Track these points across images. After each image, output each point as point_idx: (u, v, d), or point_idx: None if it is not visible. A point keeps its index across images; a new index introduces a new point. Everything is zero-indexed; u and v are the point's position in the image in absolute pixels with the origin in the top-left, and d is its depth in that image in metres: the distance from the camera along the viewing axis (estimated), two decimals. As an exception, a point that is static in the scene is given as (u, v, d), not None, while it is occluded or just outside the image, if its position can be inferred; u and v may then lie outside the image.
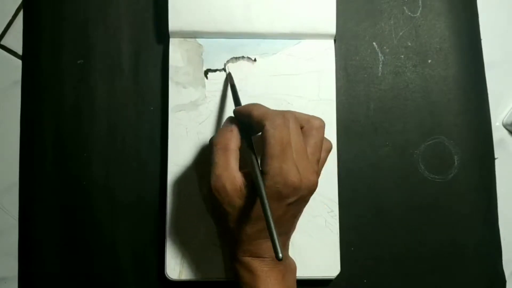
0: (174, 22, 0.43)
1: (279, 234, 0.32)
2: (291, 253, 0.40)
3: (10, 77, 0.45)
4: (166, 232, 0.41)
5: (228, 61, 0.44)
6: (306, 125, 0.35)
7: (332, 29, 0.43)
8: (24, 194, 0.43)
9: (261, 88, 0.43)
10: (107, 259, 0.42)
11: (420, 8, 0.46)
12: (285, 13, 0.43)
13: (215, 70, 0.43)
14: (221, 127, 0.37)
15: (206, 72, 0.43)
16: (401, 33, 0.46)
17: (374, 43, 0.46)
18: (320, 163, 0.36)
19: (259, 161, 0.34)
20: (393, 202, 0.44)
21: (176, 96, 0.43)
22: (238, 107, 0.37)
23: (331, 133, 0.43)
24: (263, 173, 0.33)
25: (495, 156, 0.45)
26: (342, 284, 0.42)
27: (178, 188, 0.42)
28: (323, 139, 0.36)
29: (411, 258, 0.43)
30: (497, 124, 0.46)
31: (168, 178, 0.42)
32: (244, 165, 0.35)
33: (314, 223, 0.42)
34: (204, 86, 0.43)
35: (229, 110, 0.43)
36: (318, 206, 0.42)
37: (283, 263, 0.36)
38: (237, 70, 0.43)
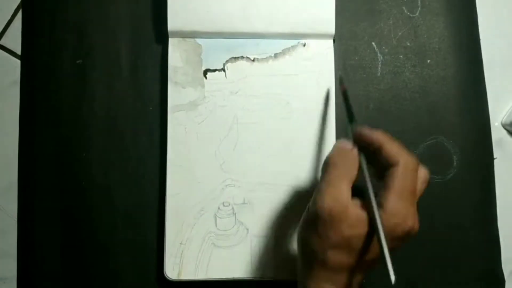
0: (173, 22, 0.43)
1: (369, 270, 0.33)
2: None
3: (8, 77, 0.45)
4: (165, 232, 0.41)
5: (227, 61, 0.44)
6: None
7: (331, 29, 0.43)
8: (23, 194, 0.43)
9: (260, 88, 0.43)
10: (106, 259, 0.42)
11: (419, 8, 0.46)
12: (284, 13, 0.43)
13: (214, 70, 0.43)
14: (336, 144, 0.35)
15: (205, 72, 0.43)
16: (400, 33, 0.46)
17: (373, 43, 0.46)
18: None
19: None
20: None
21: (175, 96, 0.43)
22: (365, 130, 0.34)
23: (330, 134, 0.43)
24: (381, 207, 0.31)
25: (494, 156, 0.45)
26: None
27: (177, 188, 0.42)
28: (423, 193, 0.34)
29: (410, 258, 0.43)
30: (496, 124, 0.46)
31: (167, 178, 0.42)
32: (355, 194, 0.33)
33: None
34: (203, 86, 0.43)
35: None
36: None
37: None
38: (236, 70, 0.43)
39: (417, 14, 0.46)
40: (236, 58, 0.44)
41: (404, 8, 0.46)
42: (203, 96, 0.43)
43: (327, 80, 0.43)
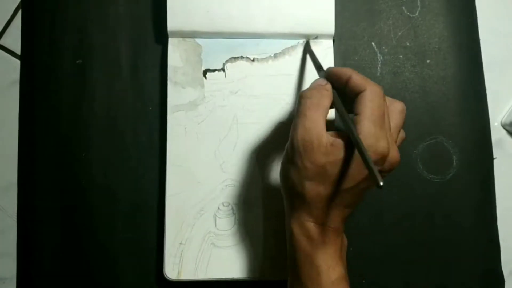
0: (173, 22, 0.43)
1: (348, 206, 0.33)
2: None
3: (8, 77, 0.45)
4: (165, 232, 0.41)
5: (227, 61, 0.44)
6: (390, 106, 0.35)
7: (331, 29, 0.43)
8: (23, 194, 0.43)
9: (260, 88, 0.43)
10: (106, 259, 0.42)
11: (419, 8, 0.46)
12: (283, 13, 0.43)
13: (214, 70, 0.43)
14: (311, 84, 0.36)
15: (204, 72, 0.43)
16: (399, 33, 0.46)
17: (372, 43, 0.46)
18: None
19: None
20: (392, 202, 0.44)
21: (174, 96, 0.43)
22: (333, 68, 0.36)
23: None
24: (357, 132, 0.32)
25: (494, 156, 0.45)
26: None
27: (177, 188, 0.42)
28: (402, 123, 0.35)
29: (410, 258, 0.43)
30: (496, 124, 0.46)
31: (166, 178, 0.42)
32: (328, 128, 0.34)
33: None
34: (202, 86, 0.43)
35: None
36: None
37: (341, 234, 0.35)
38: (236, 70, 0.43)
39: (416, 14, 0.46)
40: (236, 58, 0.44)
41: (403, 8, 0.46)
42: (203, 96, 0.43)
43: (327, 80, 0.43)
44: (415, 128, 0.44)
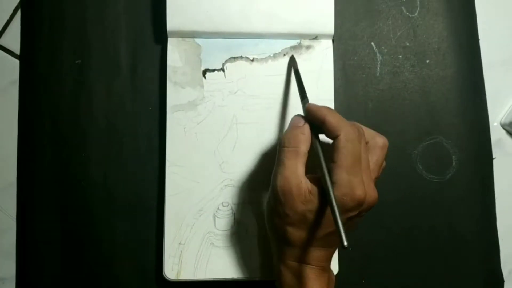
0: (172, 22, 0.43)
1: (330, 246, 0.34)
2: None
3: (7, 76, 0.45)
4: (164, 232, 0.41)
5: (226, 61, 0.44)
6: (371, 141, 0.35)
7: (331, 29, 0.43)
8: (22, 194, 0.43)
9: (260, 88, 0.43)
10: (105, 260, 0.42)
11: (418, 8, 0.46)
12: (283, 13, 0.43)
13: (213, 70, 0.43)
14: (290, 121, 0.36)
15: (204, 72, 0.43)
16: (399, 33, 0.46)
17: (372, 43, 0.46)
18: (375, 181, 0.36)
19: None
20: (391, 202, 0.44)
21: (174, 96, 0.43)
22: (311, 106, 0.36)
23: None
24: (331, 182, 0.33)
25: (493, 156, 0.45)
26: (340, 283, 0.42)
27: (176, 188, 0.42)
28: (384, 158, 0.36)
29: (409, 258, 0.43)
30: (495, 124, 0.46)
31: (166, 178, 0.42)
32: (310, 168, 0.35)
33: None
34: (202, 86, 0.43)
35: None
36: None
37: (328, 271, 0.36)
38: (235, 70, 0.43)
39: (416, 14, 0.46)
40: (235, 58, 0.44)
41: (403, 8, 0.46)
42: (202, 96, 0.43)
43: (327, 80, 0.43)
44: (415, 128, 0.44)
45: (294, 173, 0.33)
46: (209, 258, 0.41)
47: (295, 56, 0.43)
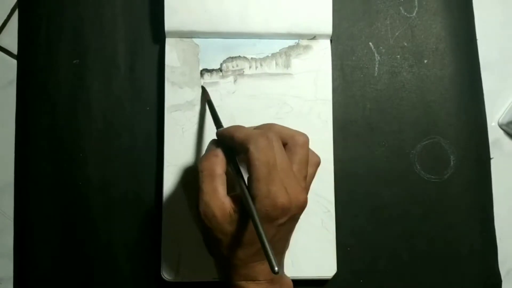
0: (170, 22, 0.42)
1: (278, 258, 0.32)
2: (287, 253, 0.40)
3: (5, 76, 0.45)
4: (162, 232, 0.41)
5: (224, 61, 0.44)
6: (290, 141, 0.34)
7: (329, 29, 0.43)
8: (20, 195, 0.43)
9: (257, 88, 0.43)
10: (103, 260, 0.42)
11: (416, 8, 0.46)
12: (281, 13, 0.43)
13: (211, 70, 0.43)
14: (205, 151, 0.36)
15: (202, 72, 0.43)
16: (397, 33, 0.46)
17: (370, 43, 0.46)
18: (308, 179, 0.35)
19: (246, 183, 0.33)
20: (389, 202, 0.44)
21: (172, 96, 0.43)
22: (220, 129, 0.36)
23: (327, 133, 0.43)
24: (251, 196, 0.32)
25: (491, 156, 0.45)
26: (338, 284, 0.42)
27: (174, 189, 0.42)
28: (308, 155, 0.35)
29: (407, 258, 0.43)
30: (493, 124, 0.46)
31: (164, 178, 0.42)
32: (232, 189, 0.34)
33: (310, 223, 0.42)
34: (200, 86, 0.43)
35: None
36: (314, 206, 0.42)
37: (279, 281, 0.35)
38: (233, 70, 0.43)
39: (414, 14, 0.46)
40: (233, 58, 0.44)
41: (401, 8, 0.46)
42: (201, 96, 0.43)
43: (325, 80, 0.43)
44: (413, 128, 0.45)
45: (214, 196, 0.33)
46: (207, 259, 0.41)
47: (292, 56, 0.43)
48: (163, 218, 0.41)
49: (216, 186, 0.33)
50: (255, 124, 0.42)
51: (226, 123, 0.42)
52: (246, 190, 0.32)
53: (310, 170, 0.35)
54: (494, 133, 0.46)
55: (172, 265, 0.41)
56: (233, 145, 0.34)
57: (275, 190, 0.31)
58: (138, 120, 0.44)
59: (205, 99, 0.42)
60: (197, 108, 0.43)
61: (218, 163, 0.34)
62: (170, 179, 0.42)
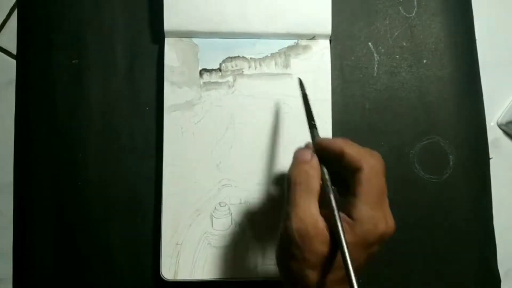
0: (170, 22, 0.42)
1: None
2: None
3: (4, 76, 0.45)
4: (161, 232, 0.41)
5: (223, 61, 0.44)
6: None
7: (328, 29, 0.43)
8: (19, 195, 0.43)
9: (257, 88, 0.43)
10: (102, 260, 0.42)
11: (415, 9, 0.46)
12: (280, 13, 0.43)
13: (210, 70, 0.43)
14: (295, 155, 0.33)
15: (201, 72, 0.43)
16: (396, 33, 0.46)
17: (369, 43, 0.46)
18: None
19: (336, 197, 0.32)
20: (388, 202, 0.44)
21: (171, 96, 0.43)
22: (323, 141, 0.34)
23: (326, 133, 0.43)
24: (352, 217, 0.30)
25: (490, 156, 0.45)
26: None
27: (174, 188, 0.42)
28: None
29: (406, 257, 0.43)
30: (492, 124, 0.46)
31: (163, 178, 0.42)
32: (323, 205, 0.32)
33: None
34: (199, 86, 0.43)
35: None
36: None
37: None
38: (233, 70, 0.43)
39: (413, 14, 0.46)
40: (232, 58, 0.44)
41: (400, 8, 0.46)
42: (200, 96, 0.43)
43: (324, 80, 0.43)
44: (412, 128, 0.45)
45: (310, 212, 0.31)
46: (206, 258, 0.41)
47: (291, 56, 0.43)
48: (162, 218, 0.41)
49: (311, 202, 0.31)
50: (255, 124, 0.43)
51: (225, 123, 0.43)
52: (337, 214, 0.30)
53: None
54: (493, 133, 0.46)
55: (172, 264, 0.41)
56: (339, 160, 0.32)
57: (379, 217, 0.30)
58: (137, 120, 0.44)
59: (302, 92, 0.39)
60: (196, 108, 0.43)
61: (315, 177, 0.32)
62: (169, 179, 0.42)
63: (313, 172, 0.32)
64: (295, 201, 0.31)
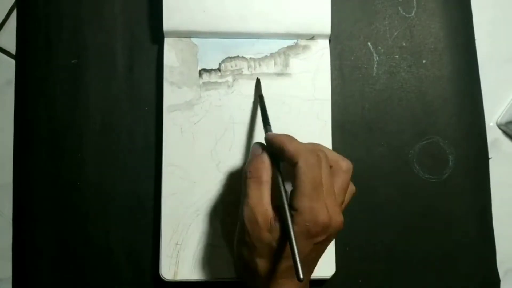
0: (169, 22, 0.42)
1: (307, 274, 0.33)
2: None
3: (3, 76, 0.45)
4: (161, 232, 0.41)
5: (223, 61, 0.43)
6: (335, 165, 0.35)
7: (327, 29, 0.43)
8: (18, 195, 0.43)
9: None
10: (102, 260, 0.42)
11: (415, 9, 0.46)
12: (280, 13, 0.43)
13: (210, 70, 0.43)
14: (250, 152, 0.36)
15: (200, 72, 0.43)
16: (395, 33, 0.46)
17: (369, 43, 0.46)
18: (343, 206, 0.35)
19: (288, 193, 0.34)
20: (388, 202, 0.44)
21: (170, 96, 0.43)
22: (269, 135, 0.36)
23: (326, 133, 0.43)
24: (293, 208, 0.32)
25: (489, 156, 0.45)
26: (337, 284, 0.42)
27: (173, 188, 0.42)
28: (349, 182, 0.35)
29: (406, 258, 0.43)
30: (491, 124, 0.46)
31: (163, 178, 0.42)
32: (273, 197, 0.34)
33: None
34: (198, 86, 0.43)
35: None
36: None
37: None
38: (232, 70, 0.43)
39: (412, 14, 0.46)
40: (232, 58, 0.44)
41: (399, 8, 0.46)
42: (199, 96, 0.43)
43: (323, 80, 0.43)
44: (411, 128, 0.45)
45: (259, 202, 0.33)
46: (206, 259, 0.41)
47: (290, 56, 0.43)
48: (162, 218, 0.41)
49: (262, 192, 0.34)
50: (254, 124, 0.43)
51: (224, 123, 0.43)
52: (286, 202, 0.33)
53: (346, 197, 0.36)
54: (493, 133, 0.46)
55: (171, 265, 0.41)
56: (281, 155, 0.34)
57: (318, 208, 0.32)
58: (137, 120, 0.44)
59: (257, 92, 0.41)
60: (196, 108, 0.43)
61: (265, 169, 0.34)
62: (169, 179, 0.42)
63: (263, 165, 0.34)
64: (247, 192, 0.34)
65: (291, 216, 0.32)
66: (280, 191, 0.33)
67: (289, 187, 0.34)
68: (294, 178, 0.33)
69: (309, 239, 0.32)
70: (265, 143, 0.36)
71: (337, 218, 0.33)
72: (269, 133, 0.37)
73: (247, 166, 0.35)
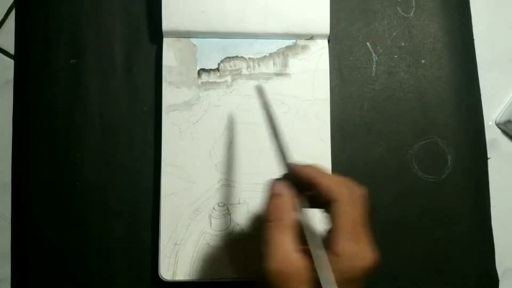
0: (168, 22, 0.42)
1: None
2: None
3: (2, 76, 0.45)
4: (159, 232, 0.41)
5: (221, 61, 0.43)
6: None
7: (326, 29, 0.43)
8: (17, 195, 0.43)
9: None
10: (101, 260, 0.42)
11: (414, 9, 0.46)
12: (278, 13, 0.43)
13: (208, 70, 0.43)
14: (268, 187, 0.32)
15: (199, 72, 0.43)
16: (394, 34, 0.46)
17: (367, 43, 0.46)
18: None
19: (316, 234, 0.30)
20: (387, 202, 0.44)
21: (169, 96, 0.43)
22: (296, 168, 0.32)
23: (325, 133, 0.43)
24: (333, 253, 0.29)
25: (488, 156, 0.45)
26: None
27: (172, 188, 0.42)
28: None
29: (404, 257, 0.43)
30: (490, 123, 0.46)
31: (161, 179, 0.42)
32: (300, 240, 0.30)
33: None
34: (197, 86, 0.43)
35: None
36: (312, 206, 0.42)
37: None
38: (231, 70, 0.43)
39: (411, 14, 0.46)
40: (230, 58, 0.44)
41: (398, 8, 0.46)
42: (198, 96, 0.43)
43: (322, 80, 0.43)
44: (410, 128, 0.45)
45: (286, 251, 0.29)
46: (205, 259, 0.41)
47: (289, 56, 0.43)
48: (161, 218, 0.41)
49: (285, 238, 0.29)
50: (253, 124, 0.43)
51: (224, 123, 0.43)
52: (320, 245, 0.29)
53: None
54: (492, 133, 0.46)
55: (170, 265, 0.41)
56: (308, 185, 0.31)
57: (359, 250, 0.29)
58: (136, 120, 0.44)
59: (262, 100, 0.36)
60: (195, 108, 0.43)
61: (289, 211, 0.30)
62: (167, 179, 0.42)
63: (285, 206, 0.30)
64: (268, 240, 0.30)
65: (331, 262, 0.28)
66: (312, 234, 0.29)
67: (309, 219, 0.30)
68: (332, 216, 0.30)
69: (351, 285, 0.29)
70: (281, 174, 0.33)
71: (375, 256, 0.30)
72: (294, 165, 0.32)
73: (266, 210, 0.31)
